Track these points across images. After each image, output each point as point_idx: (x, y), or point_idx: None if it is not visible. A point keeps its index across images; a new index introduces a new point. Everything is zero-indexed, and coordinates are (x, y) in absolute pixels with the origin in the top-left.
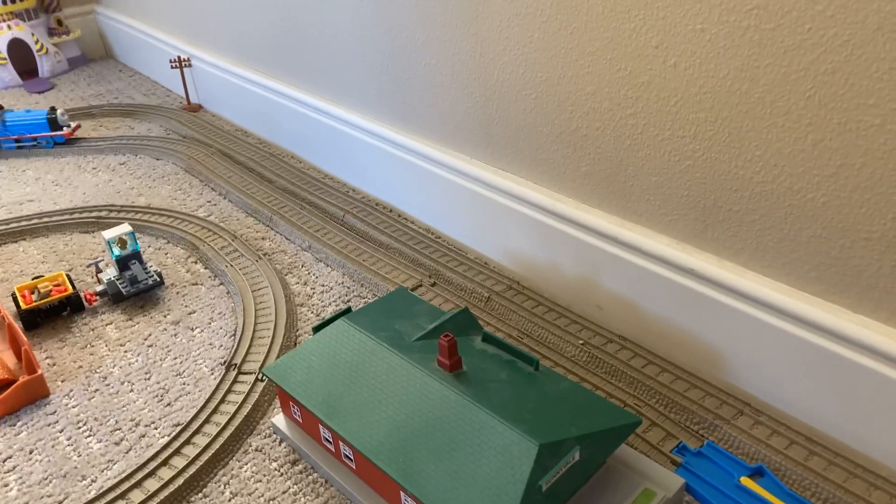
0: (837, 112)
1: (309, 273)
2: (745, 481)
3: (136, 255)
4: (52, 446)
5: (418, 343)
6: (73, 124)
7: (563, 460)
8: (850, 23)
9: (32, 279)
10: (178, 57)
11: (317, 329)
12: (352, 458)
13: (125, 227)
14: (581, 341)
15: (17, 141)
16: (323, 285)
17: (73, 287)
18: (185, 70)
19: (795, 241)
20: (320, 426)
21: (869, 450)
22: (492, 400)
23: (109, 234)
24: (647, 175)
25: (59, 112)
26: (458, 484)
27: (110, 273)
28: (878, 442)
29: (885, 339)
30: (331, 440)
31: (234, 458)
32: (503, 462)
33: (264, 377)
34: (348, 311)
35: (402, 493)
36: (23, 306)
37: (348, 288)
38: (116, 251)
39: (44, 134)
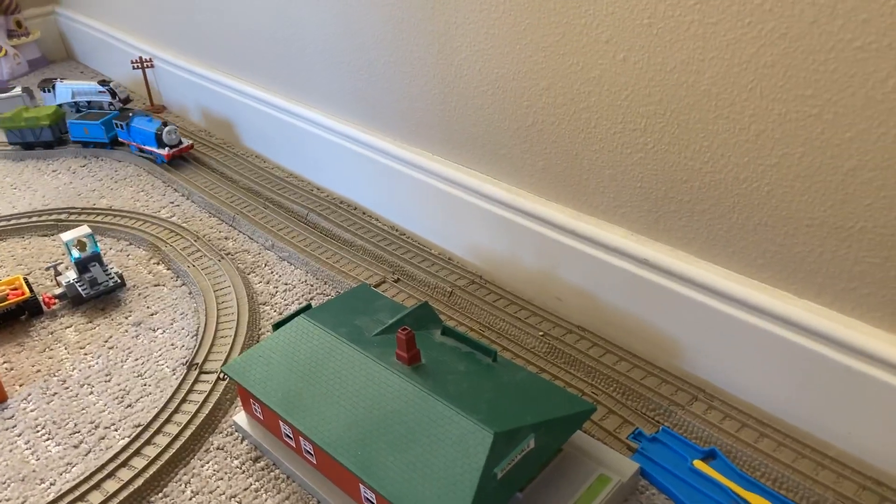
0: (778, 103)
1: (272, 272)
2: (698, 464)
3: (96, 257)
4: (10, 450)
5: (378, 338)
6: (183, 142)
7: (518, 448)
8: (787, 16)
9: None
10: (140, 57)
11: (277, 326)
12: (312, 453)
13: (84, 230)
14: (541, 333)
15: (139, 149)
16: (286, 284)
17: (31, 290)
18: (148, 71)
19: (743, 230)
20: (280, 422)
21: (817, 431)
22: (449, 391)
23: (68, 236)
24: (601, 168)
25: (164, 130)
26: (416, 474)
27: (69, 276)
28: (826, 423)
29: (829, 322)
30: (291, 436)
31: (196, 456)
32: (459, 451)
33: (226, 376)
34: (308, 307)
35: (361, 486)
36: None
37: (311, 286)
38: (75, 253)
39: (152, 149)
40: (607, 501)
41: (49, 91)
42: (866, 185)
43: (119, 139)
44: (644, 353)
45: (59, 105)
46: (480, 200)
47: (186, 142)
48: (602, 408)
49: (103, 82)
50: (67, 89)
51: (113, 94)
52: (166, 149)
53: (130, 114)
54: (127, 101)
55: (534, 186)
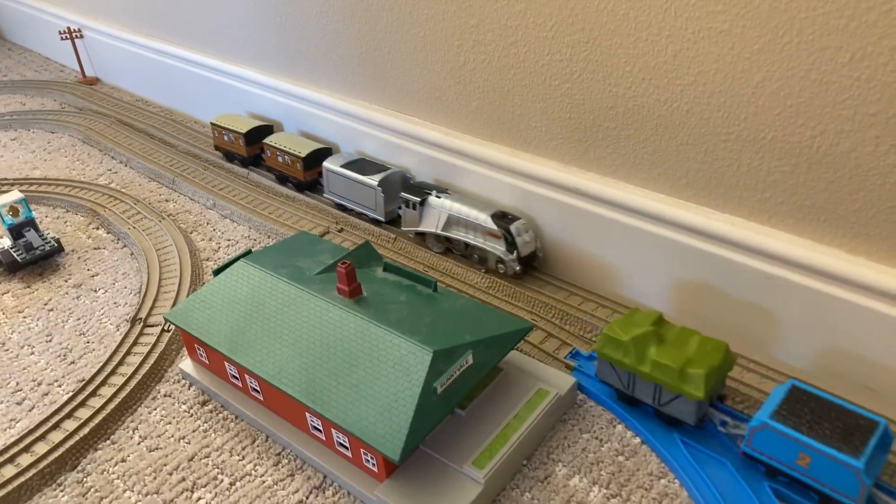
0: (691, 21)
1: (214, 230)
2: None
3: (31, 223)
4: None
5: (319, 276)
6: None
7: (456, 364)
8: None
9: None
10: (69, 28)
11: (217, 272)
12: (258, 389)
13: (15, 194)
14: (483, 269)
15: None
16: (229, 240)
17: None
18: (78, 42)
19: (666, 151)
20: (226, 363)
21: (740, 341)
22: (390, 319)
23: None
24: (531, 102)
25: None
26: (359, 396)
27: (4, 242)
28: (750, 332)
29: (748, 233)
30: (237, 375)
31: (143, 404)
32: (400, 371)
33: (170, 327)
34: (249, 252)
35: (307, 415)
36: None
37: (255, 240)
38: (8, 220)
39: None
40: (546, 413)
41: None
42: (774, 95)
43: None
44: (582, 282)
45: None
46: (419, 146)
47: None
48: (541, 332)
49: None
50: None
51: None
52: None
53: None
54: None
55: (470, 127)
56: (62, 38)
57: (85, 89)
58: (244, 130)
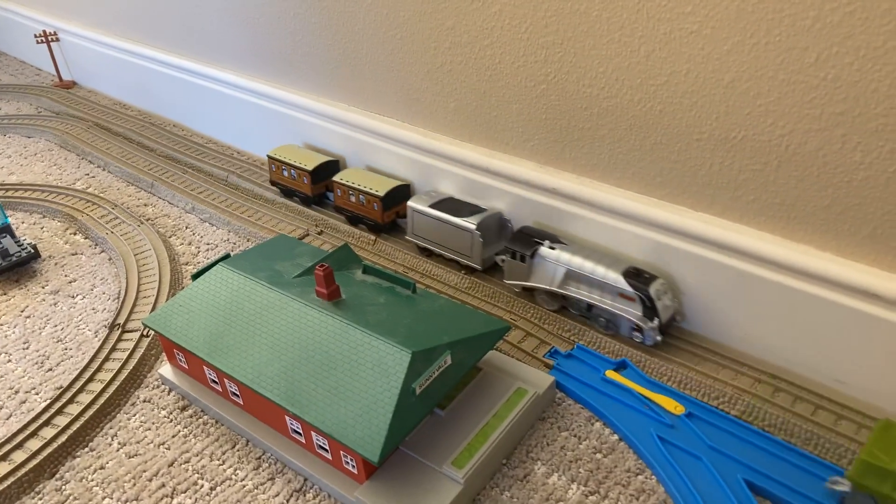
0: (663, 23)
1: (193, 233)
2: (611, 374)
3: (6, 229)
4: None
5: (298, 279)
6: None
7: (434, 364)
8: None
9: None
10: (44, 31)
11: (196, 276)
12: (238, 393)
13: None
14: (463, 271)
15: None
16: (208, 244)
17: None
18: (54, 45)
19: (640, 151)
20: (205, 368)
21: (717, 336)
22: (368, 321)
23: None
24: (508, 103)
25: None
26: (338, 398)
27: None
28: (725, 328)
29: (721, 230)
30: (216, 380)
31: (122, 411)
32: (379, 373)
33: (149, 332)
34: (227, 256)
35: (287, 418)
36: None
37: (234, 244)
38: None
39: None
40: (525, 412)
41: None
42: (744, 94)
43: None
44: None
45: None
46: (398, 147)
47: None
48: (520, 332)
49: None
50: None
51: None
52: None
53: None
54: None
55: (447, 128)
56: (38, 42)
57: (61, 93)
58: (311, 167)
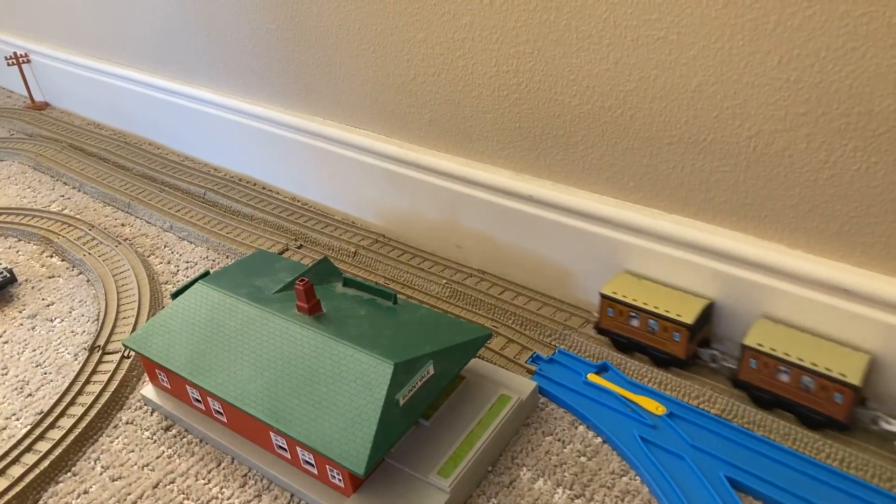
0: (630, 30)
1: (172, 252)
2: (592, 377)
3: None
4: None
5: (278, 295)
6: None
7: (417, 375)
8: None
9: None
10: (15, 53)
11: (175, 295)
12: (222, 411)
13: None
14: (444, 280)
15: None
16: (187, 262)
17: None
18: (25, 67)
19: (613, 156)
20: (188, 387)
21: None
22: (350, 333)
23: None
24: (482, 113)
25: None
26: (322, 412)
27: None
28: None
29: (695, 231)
30: (200, 399)
31: (104, 434)
32: (362, 385)
33: (130, 353)
34: (206, 274)
35: (271, 434)
36: None
37: (213, 261)
38: None
39: None
40: (509, 418)
41: None
42: (711, 98)
43: None
44: (540, 287)
45: None
46: (375, 159)
47: None
48: (502, 338)
49: None
50: None
51: None
52: None
53: None
54: None
55: (424, 139)
56: (9, 64)
57: (34, 115)
58: (690, 320)
